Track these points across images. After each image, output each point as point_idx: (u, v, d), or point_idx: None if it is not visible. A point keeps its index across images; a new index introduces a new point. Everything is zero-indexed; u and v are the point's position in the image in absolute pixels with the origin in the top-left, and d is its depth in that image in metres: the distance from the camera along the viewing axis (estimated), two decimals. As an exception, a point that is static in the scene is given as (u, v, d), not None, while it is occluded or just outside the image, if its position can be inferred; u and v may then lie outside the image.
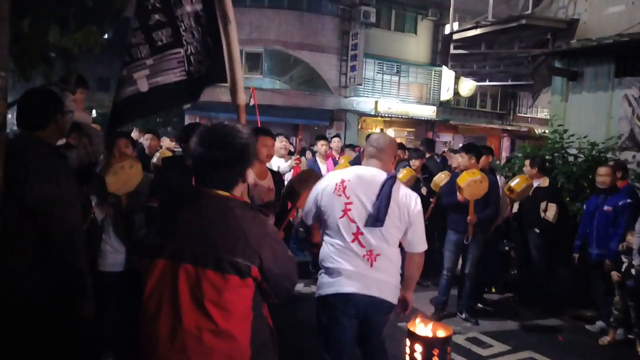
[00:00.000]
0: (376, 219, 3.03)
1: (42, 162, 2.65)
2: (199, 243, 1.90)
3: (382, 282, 3.14)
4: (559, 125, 7.99)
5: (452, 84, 24.12)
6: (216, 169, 1.97)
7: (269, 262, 1.93)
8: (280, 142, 6.82)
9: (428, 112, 24.32)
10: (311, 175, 3.84)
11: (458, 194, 5.76)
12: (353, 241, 3.09)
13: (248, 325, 1.93)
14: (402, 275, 3.35)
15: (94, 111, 30.15)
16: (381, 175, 3.15)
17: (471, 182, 5.65)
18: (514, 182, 6.22)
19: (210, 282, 1.86)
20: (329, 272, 3.17)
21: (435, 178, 6.92)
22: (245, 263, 1.87)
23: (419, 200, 3.26)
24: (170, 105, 3.24)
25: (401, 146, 8.26)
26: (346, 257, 3.10)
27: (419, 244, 3.27)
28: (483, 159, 6.34)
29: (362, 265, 3.09)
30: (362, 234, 3.08)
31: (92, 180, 4.07)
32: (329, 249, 3.18)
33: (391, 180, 3.11)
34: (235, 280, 1.87)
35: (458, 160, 6.28)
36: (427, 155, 7.99)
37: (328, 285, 3.17)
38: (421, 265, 3.38)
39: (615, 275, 5.37)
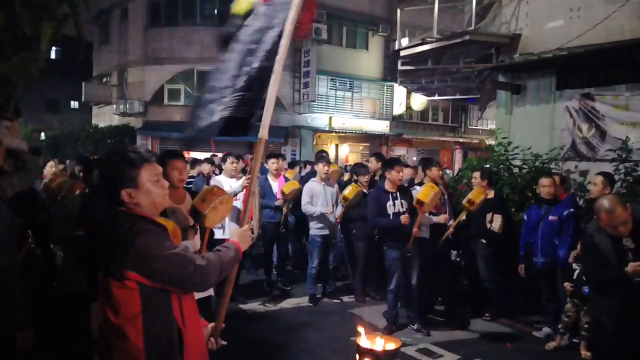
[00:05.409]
0: None
1: None
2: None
3: None
4: (504, 138, 8.19)
5: (404, 98, 24.51)
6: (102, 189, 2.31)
7: (141, 265, 2.08)
8: (230, 163, 6.75)
9: (381, 126, 24.61)
10: (213, 193, 3.78)
11: (418, 208, 5.84)
12: None
13: (138, 323, 2.11)
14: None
15: (42, 134, 29.38)
16: None
17: (434, 196, 5.79)
18: (472, 194, 6.29)
19: (103, 284, 2.14)
20: None
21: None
22: (116, 266, 2.08)
23: None
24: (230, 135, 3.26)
25: (379, 156, 8.35)
26: None
27: None
28: (434, 170, 6.52)
29: None
30: None
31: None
32: None
33: None
34: (113, 283, 2.10)
35: (404, 174, 6.40)
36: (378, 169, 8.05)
37: None
38: None
39: (568, 286, 5.48)
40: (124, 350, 2.12)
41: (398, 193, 6.17)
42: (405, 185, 6.74)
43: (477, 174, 6.85)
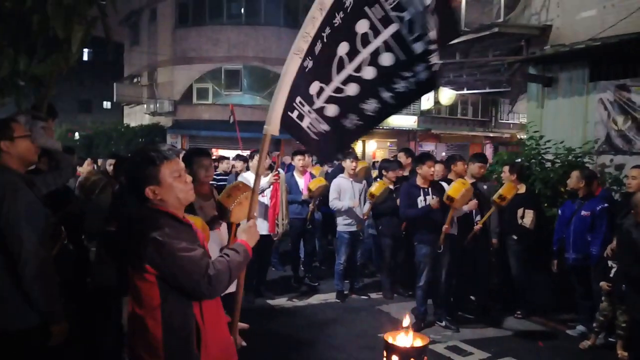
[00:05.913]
0: None
1: (5, 191, 2.75)
2: None
3: None
4: (535, 132, 8.01)
5: (432, 93, 24.22)
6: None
7: (156, 259, 2.14)
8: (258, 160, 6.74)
9: (409, 122, 24.42)
10: (239, 189, 3.79)
11: (449, 204, 5.74)
12: None
13: (157, 315, 2.19)
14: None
15: (76, 134, 29.93)
16: None
17: (465, 192, 5.67)
18: (503, 189, 6.14)
19: (129, 277, 2.24)
20: None
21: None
22: (137, 259, 2.17)
23: None
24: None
25: (408, 152, 8.31)
26: None
27: None
28: (460, 165, 6.41)
29: None
30: None
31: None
32: None
33: None
34: (135, 275, 2.20)
35: (436, 169, 6.30)
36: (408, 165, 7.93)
37: None
38: None
39: (605, 285, 5.29)
40: (144, 340, 2.22)
41: (430, 188, 6.07)
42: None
43: (506, 168, 6.73)
